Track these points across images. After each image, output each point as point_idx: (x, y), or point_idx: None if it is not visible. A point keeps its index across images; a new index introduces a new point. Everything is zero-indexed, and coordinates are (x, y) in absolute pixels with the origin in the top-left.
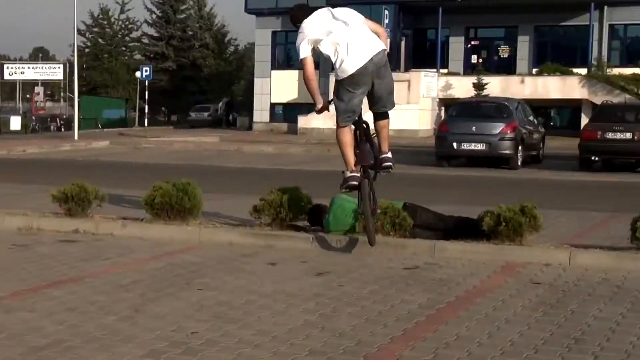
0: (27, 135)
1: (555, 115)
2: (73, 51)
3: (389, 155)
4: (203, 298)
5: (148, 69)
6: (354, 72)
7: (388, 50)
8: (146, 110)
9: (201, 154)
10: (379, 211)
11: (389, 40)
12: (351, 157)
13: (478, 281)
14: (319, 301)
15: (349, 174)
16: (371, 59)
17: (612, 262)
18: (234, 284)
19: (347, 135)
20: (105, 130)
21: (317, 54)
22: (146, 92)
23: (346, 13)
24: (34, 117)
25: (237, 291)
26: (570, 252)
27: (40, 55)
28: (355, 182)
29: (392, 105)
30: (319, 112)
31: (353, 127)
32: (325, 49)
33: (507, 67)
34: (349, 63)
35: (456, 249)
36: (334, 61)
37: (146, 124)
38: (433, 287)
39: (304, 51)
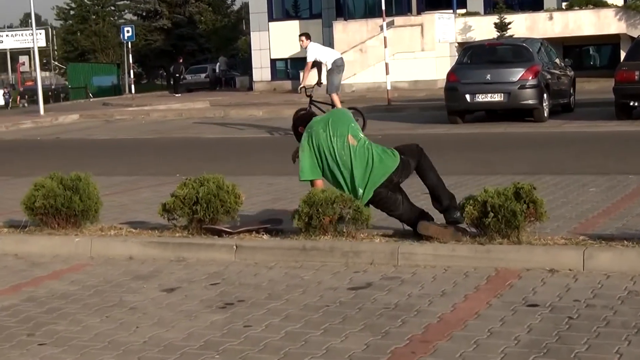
0: (1, 112)
1: (594, 53)
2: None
3: None
4: None
5: (130, 29)
6: None
7: None
8: (131, 75)
9: (179, 123)
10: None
11: None
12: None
13: (449, 306)
14: (205, 358)
15: None
16: None
17: None
18: (95, 331)
19: None
20: (93, 100)
21: None
22: (129, 55)
23: None
24: (21, 89)
25: (93, 346)
26: (585, 250)
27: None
28: None
29: None
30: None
31: None
32: None
33: (533, 3)
34: None
35: (427, 252)
36: None
37: (133, 91)
38: (380, 321)
39: None
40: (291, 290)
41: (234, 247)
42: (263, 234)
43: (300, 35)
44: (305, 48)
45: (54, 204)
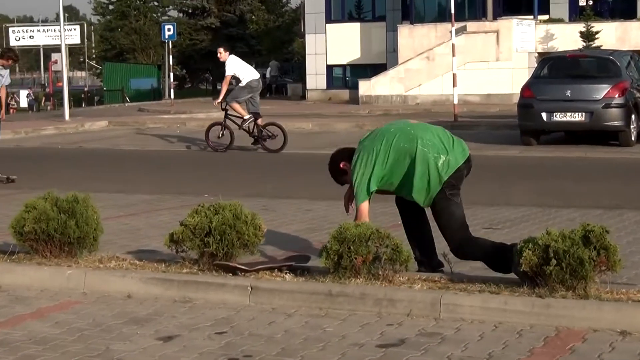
0: (24, 115)
1: None
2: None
3: None
4: None
5: (171, 27)
6: None
7: None
8: (171, 78)
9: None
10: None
11: None
12: None
13: None
14: None
15: None
16: None
17: None
18: None
19: None
20: (129, 104)
21: None
22: (169, 56)
23: None
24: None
25: None
26: None
27: (66, 15)
28: None
29: None
30: None
31: None
32: None
33: (625, 10)
34: None
35: (475, 304)
36: None
37: (172, 96)
38: None
39: None
40: (309, 344)
41: (249, 288)
42: (286, 273)
43: (219, 48)
44: (224, 62)
45: (45, 228)
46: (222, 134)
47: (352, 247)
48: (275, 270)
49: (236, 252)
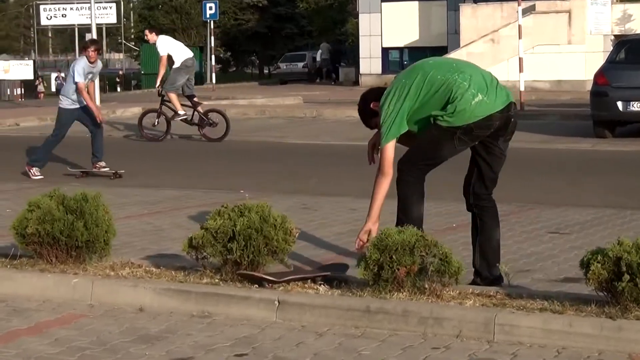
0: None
1: None
2: None
3: None
4: None
5: (213, 5)
6: None
7: None
8: (212, 61)
9: (260, 123)
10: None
11: None
12: None
13: None
14: None
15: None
16: None
17: None
18: None
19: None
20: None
21: None
22: (211, 37)
23: None
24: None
25: None
26: None
27: None
28: None
29: None
30: None
31: None
32: None
33: None
34: None
35: (534, 326)
36: None
37: (214, 81)
38: None
39: None
40: None
41: (276, 302)
42: (320, 284)
43: (145, 29)
44: (154, 44)
45: (50, 230)
46: (158, 122)
47: (394, 257)
48: (309, 281)
49: (263, 260)
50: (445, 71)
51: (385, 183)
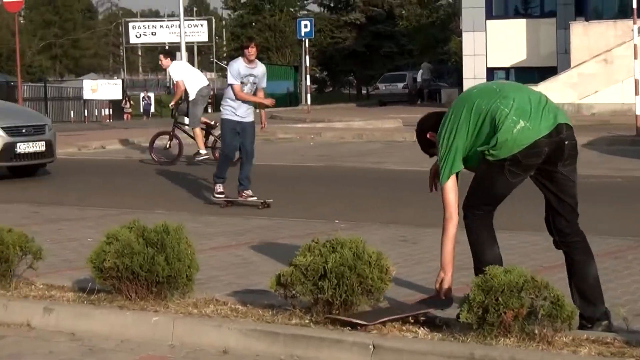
0: (137, 122)
1: None
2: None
3: None
4: None
5: (308, 22)
6: None
7: None
8: (307, 81)
9: (357, 147)
10: None
11: None
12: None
13: None
14: None
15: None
16: None
17: None
18: None
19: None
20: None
21: None
22: (306, 56)
23: None
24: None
25: None
26: None
27: (194, 9)
28: None
29: None
30: None
31: None
32: None
33: None
34: None
35: None
36: None
37: (309, 102)
38: None
39: None
40: None
41: (371, 346)
42: (419, 327)
43: (159, 54)
44: (167, 69)
45: (129, 265)
46: (170, 145)
47: (500, 299)
48: (410, 319)
49: (357, 300)
50: (488, 99)
51: (451, 227)
